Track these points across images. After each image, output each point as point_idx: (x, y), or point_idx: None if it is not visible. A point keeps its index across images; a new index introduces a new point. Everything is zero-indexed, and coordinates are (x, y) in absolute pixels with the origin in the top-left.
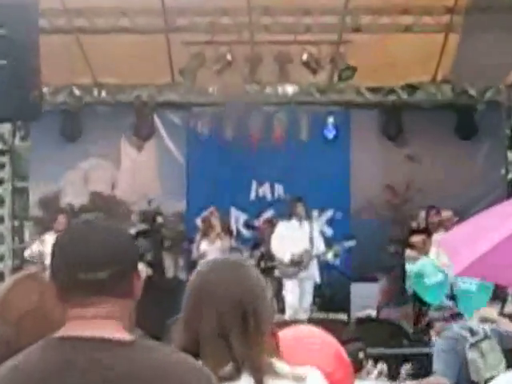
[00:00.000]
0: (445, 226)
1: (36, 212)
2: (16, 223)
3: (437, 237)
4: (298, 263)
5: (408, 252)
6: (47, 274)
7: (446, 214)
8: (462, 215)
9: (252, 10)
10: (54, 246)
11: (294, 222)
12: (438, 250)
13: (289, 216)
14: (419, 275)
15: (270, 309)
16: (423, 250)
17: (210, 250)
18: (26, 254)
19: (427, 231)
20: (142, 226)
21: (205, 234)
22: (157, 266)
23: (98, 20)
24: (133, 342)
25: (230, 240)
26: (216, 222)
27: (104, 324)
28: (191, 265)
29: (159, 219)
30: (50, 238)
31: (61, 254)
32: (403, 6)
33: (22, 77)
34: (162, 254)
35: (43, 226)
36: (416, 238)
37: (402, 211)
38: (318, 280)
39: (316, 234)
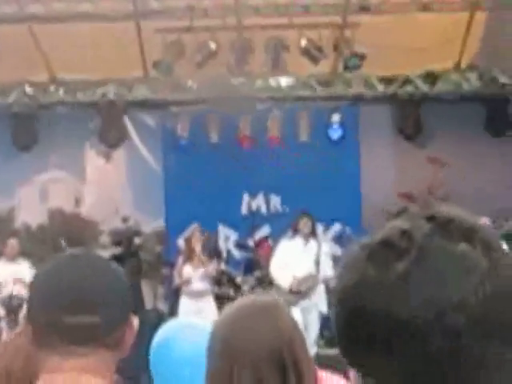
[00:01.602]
0: None
1: None
2: None
3: None
4: (298, 290)
5: None
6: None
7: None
8: (497, 226)
9: None
10: (34, 280)
11: (297, 240)
12: None
13: (293, 233)
14: None
15: (310, 358)
16: None
17: (194, 275)
18: None
19: None
20: (116, 249)
21: (188, 257)
22: (134, 296)
23: (54, 5)
24: None
25: (219, 263)
26: (197, 242)
27: (85, 380)
28: (173, 294)
29: (137, 240)
30: None
31: (42, 291)
32: None
33: None
34: (140, 282)
35: None
36: None
37: None
38: (324, 310)
39: (323, 255)
